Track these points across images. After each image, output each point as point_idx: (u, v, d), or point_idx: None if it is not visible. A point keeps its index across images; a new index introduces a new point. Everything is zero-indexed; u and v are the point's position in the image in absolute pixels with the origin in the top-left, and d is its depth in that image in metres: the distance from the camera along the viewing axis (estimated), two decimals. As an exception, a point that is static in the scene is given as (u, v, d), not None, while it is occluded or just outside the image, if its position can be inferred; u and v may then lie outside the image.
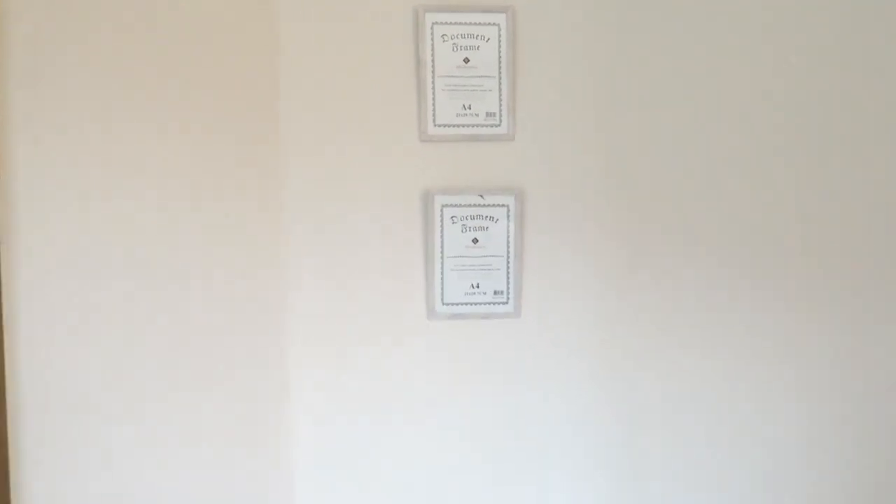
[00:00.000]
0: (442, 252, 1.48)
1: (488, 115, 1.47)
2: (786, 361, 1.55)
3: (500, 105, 1.47)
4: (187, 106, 1.41)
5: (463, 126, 1.47)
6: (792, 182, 1.52)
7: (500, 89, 1.47)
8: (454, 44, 1.45)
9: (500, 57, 1.46)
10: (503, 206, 1.48)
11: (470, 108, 1.47)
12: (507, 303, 1.50)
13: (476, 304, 1.50)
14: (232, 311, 1.44)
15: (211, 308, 1.43)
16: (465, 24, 1.45)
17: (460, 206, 1.47)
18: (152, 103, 1.39)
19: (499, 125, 1.47)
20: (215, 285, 1.43)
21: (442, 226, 1.47)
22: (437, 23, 1.44)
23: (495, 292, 1.50)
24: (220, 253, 1.43)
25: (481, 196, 1.47)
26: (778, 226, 1.53)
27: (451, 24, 1.45)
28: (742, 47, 1.50)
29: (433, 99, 1.46)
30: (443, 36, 1.45)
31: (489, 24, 1.45)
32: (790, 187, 1.52)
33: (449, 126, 1.46)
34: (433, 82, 1.46)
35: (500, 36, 1.46)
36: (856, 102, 1.52)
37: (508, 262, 1.49)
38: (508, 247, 1.49)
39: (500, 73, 1.46)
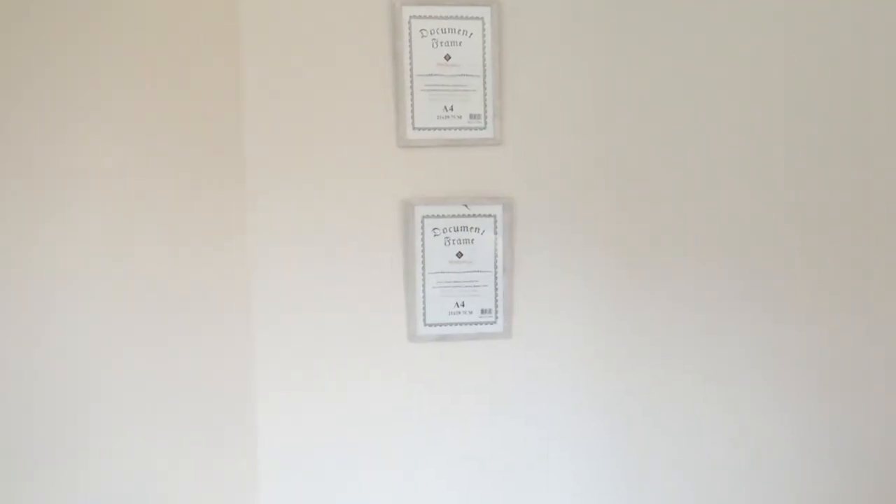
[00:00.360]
0: (423, 268, 1.34)
1: (472, 117, 1.34)
2: (788, 375, 1.44)
3: (486, 106, 1.34)
4: (140, 105, 1.26)
5: (445, 129, 1.34)
6: (792, 190, 1.41)
7: (484, 89, 1.34)
8: (434, 39, 1.33)
9: (484, 54, 1.34)
10: (490, 216, 1.35)
11: (452, 110, 1.34)
12: (495, 322, 1.37)
13: (462, 324, 1.36)
14: (196, 334, 1.29)
15: (172, 328, 1.28)
16: (446, 17, 1.32)
17: (443, 216, 1.34)
18: (106, 104, 1.24)
19: (484, 128, 1.34)
20: (174, 300, 1.28)
21: (423, 239, 1.34)
22: (415, 16, 1.32)
23: (482, 311, 1.37)
24: (182, 268, 1.28)
25: (466, 206, 1.34)
26: (782, 236, 1.42)
27: (430, 17, 1.32)
28: (742, 46, 1.39)
29: (412, 100, 1.33)
30: (422, 31, 1.32)
31: (472, 17, 1.33)
32: (791, 195, 1.42)
33: (429, 129, 1.33)
34: (412, 82, 1.33)
35: (484, 31, 1.33)
36: (857, 106, 1.42)
37: (496, 278, 1.36)
38: (496, 261, 1.36)
39: (484, 71, 1.34)
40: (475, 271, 1.36)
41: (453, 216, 1.34)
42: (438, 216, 1.34)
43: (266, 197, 1.31)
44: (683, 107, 1.38)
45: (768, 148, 1.41)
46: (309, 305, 1.33)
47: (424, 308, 1.35)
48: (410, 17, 1.31)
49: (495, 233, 1.35)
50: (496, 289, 1.36)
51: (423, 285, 1.35)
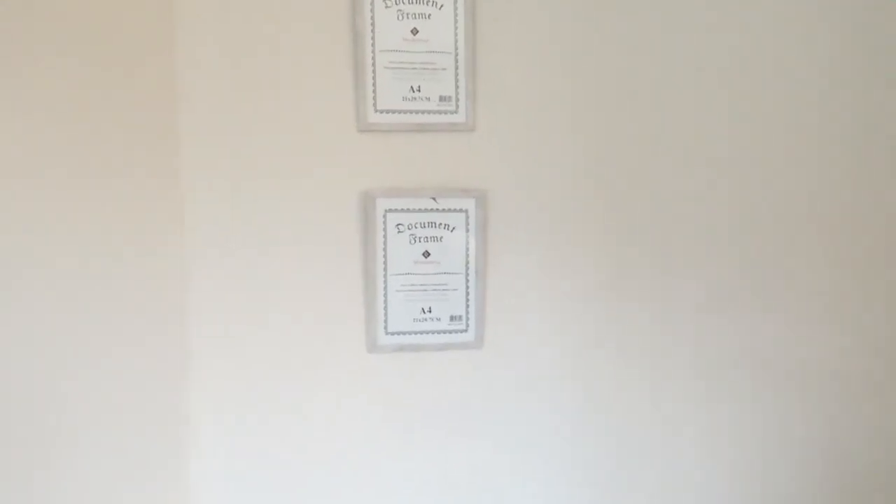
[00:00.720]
0: (385, 269, 1.19)
1: (442, 99, 1.19)
2: (782, 384, 1.31)
3: (457, 87, 1.19)
4: (62, 83, 1.08)
5: (411, 112, 1.18)
6: (799, 181, 1.29)
7: (456, 68, 1.19)
8: (399, 11, 1.17)
9: (456, 29, 1.19)
10: (461, 211, 1.20)
11: (419, 91, 1.18)
12: (466, 330, 1.22)
13: (428, 332, 1.21)
14: (126, 345, 1.11)
15: (99, 339, 1.10)
16: (414, -15, 1.17)
17: (408, 211, 1.18)
18: (27, 91, 1.06)
19: (455, 112, 1.19)
20: (98, 308, 1.10)
21: (385, 236, 1.18)
22: (378, -17, 1.16)
23: (452, 318, 1.21)
24: (113, 266, 1.10)
25: (434, 199, 1.19)
26: (779, 232, 1.29)
27: (395, -15, 1.17)
28: (732, 30, 1.26)
29: (374, 79, 1.17)
30: (386, 1, 1.16)
31: (443, -14, 1.18)
32: (802, 187, 1.29)
33: (394, 112, 1.18)
34: (374, 59, 1.17)
35: (456, 2, 1.18)
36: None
37: (468, 281, 1.21)
38: (468, 262, 1.21)
39: (456, 48, 1.19)
40: (444, 273, 1.20)
41: (420, 210, 1.19)
42: (403, 210, 1.18)
43: (205, 191, 1.14)
44: (677, 92, 1.25)
45: (766, 136, 1.28)
46: (253, 312, 1.16)
47: (386, 314, 1.19)
48: (373, -17, 1.16)
49: (467, 230, 1.20)
50: (467, 293, 1.21)
51: (385, 289, 1.19)
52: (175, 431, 1.14)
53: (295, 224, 1.16)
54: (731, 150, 1.27)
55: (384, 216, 1.18)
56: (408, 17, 1.17)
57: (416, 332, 1.21)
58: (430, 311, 1.21)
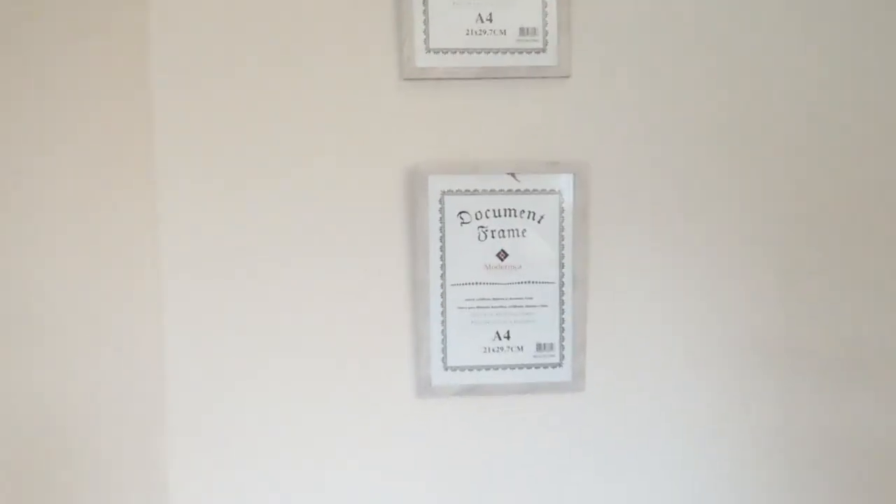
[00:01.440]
0: (443, 277, 0.83)
1: (523, 32, 0.83)
2: None
3: (545, 15, 0.83)
4: None
5: (479, 52, 0.82)
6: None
7: (543, -13, 0.82)
8: None
9: (542, -70, 0.82)
10: (552, 192, 0.83)
11: (491, 21, 0.82)
12: (559, 365, 0.85)
13: (505, 367, 0.84)
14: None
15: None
16: None
17: (476, 193, 0.82)
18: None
19: (542, 50, 0.83)
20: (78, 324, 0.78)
21: (443, 230, 0.82)
22: None
23: (539, 347, 0.84)
24: (85, 264, 0.78)
25: (513, 176, 0.82)
26: None
27: None
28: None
29: (425, 7, 0.81)
30: None
31: None
32: None
33: (454, 52, 0.82)
34: (425, -22, 0.82)
35: None
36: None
37: (562, 294, 0.84)
38: (562, 267, 0.84)
39: (542, -42, 0.82)
40: (527, 282, 0.84)
41: (493, 192, 0.82)
42: (468, 192, 0.82)
43: (182, 158, 0.80)
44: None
45: None
46: (245, 352, 0.82)
47: (444, 343, 0.83)
48: None
49: (561, 220, 0.83)
50: (562, 311, 0.84)
51: (443, 306, 0.83)
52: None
53: (317, 214, 0.82)
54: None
55: (440, 201, 0.82)
56: (473, -84, 0.82)
57: (487, 368, 0.84)
58: (507, 338, 0.84)
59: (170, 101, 0.79)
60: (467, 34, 0.82)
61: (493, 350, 0.84)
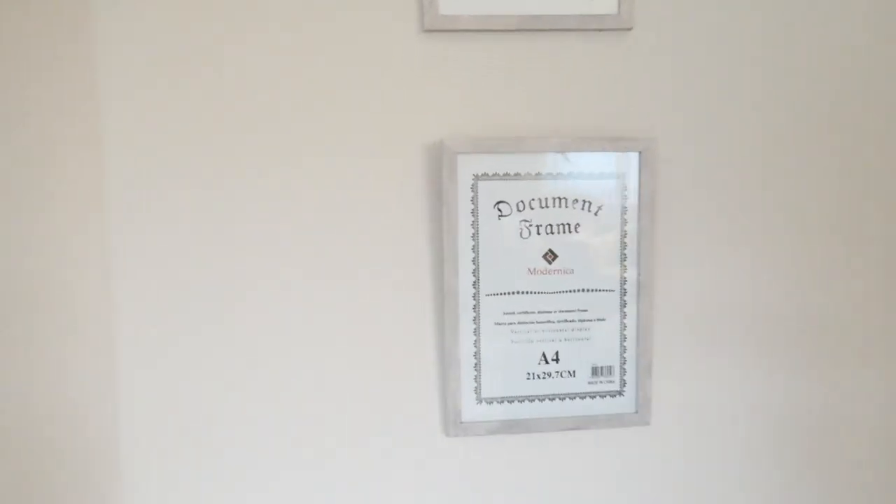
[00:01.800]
0: (477, 285, 0.65)
1: (575, -29, 0.65)
2: None
3: (602, -49, 0.65)
4: None
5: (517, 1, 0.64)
6: None
7: (599, -86, 0.65)
8: None
9: None
10: (611, 176, 0.65)
11: (533, -41, 0.65)
12: (620, 393, 0.67)
13: (554, 397, 0.67)
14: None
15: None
16: None
17: (516, 177, 0.65)
18: None
19: (599, -4, 0.65)
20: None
21: (476, 224, 0.64)
22: None
23: (595, 371, 0.67)
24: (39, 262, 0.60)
25: (563, 155, 0.65)
26: None
27: None
28: None
29: (450, -60, 0.64)
30: None
31: None
32: None
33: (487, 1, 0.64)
34: None
35: None
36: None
37: (624, 306, 0.66)
38: (624, 271, 0.66)
39: None
40: (581, 290, 0.66)
41: (537, 176, 0.65)
42: (506, 176, 0.64)
43: (134, 132, 0.62)
44: None
45: None
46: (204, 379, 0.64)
47: (478, 367, 0.66)
48: None
49: (623, 213, 0.65)
50: (623, 327, 0.67)
51: (476, 321, 0.65)
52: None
53: (327, 201, 0.64)
54: None
55: (473, 187, 0.64)
56: None
57: (530, 399, 0.67)
58: (555, 360, 0.67)
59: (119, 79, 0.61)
60: (504, -24, 0.64)
61: (538, 376, 0.67)
